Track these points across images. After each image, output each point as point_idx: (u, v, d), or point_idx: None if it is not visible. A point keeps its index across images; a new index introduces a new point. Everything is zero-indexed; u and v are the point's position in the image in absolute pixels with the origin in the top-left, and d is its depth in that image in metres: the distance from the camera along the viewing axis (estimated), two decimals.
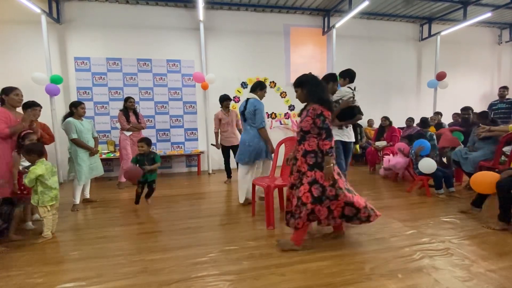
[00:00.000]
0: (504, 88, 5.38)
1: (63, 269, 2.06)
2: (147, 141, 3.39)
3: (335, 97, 3.10)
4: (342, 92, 3.10)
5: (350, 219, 2.18)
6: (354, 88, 3.10)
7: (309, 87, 2.19)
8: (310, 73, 2.30)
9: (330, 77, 3.11)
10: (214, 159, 5.85)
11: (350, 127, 3.12)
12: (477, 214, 2.96)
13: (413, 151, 3.94)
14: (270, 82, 6.26)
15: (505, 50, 7.66)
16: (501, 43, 7.58)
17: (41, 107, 3.32)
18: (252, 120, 3.27)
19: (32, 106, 3.17)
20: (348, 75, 3.16)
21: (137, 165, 3.32)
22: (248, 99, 3.34)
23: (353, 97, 3.04)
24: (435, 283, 1.77)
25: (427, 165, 3.63)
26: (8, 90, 2.66)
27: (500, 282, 1.76)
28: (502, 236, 2.43)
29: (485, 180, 2.68)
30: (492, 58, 7.63)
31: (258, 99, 3.35)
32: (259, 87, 3.39)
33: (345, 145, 3.08)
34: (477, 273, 1.87)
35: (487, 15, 5.67)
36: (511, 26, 7.36)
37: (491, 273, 1.86)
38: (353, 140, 3.15)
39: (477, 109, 5.94)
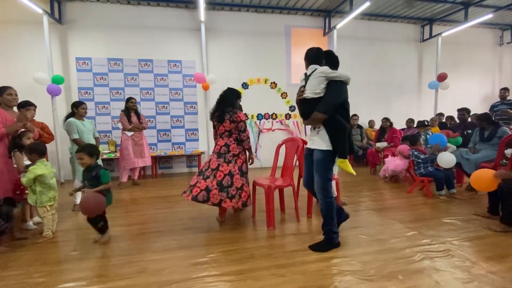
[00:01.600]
0: (505, 89, 5.37)
1: (63, 269, 2.06)
2: (88, 149, 2.42)
3: None
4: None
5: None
6: (311, 73, 2.21)
7: None
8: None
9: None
10: None
11: (322, 130, 2.19)
12: (478, 215, 2.96)
13: (415, 152, 3.93)
14: (271, 83, 6.27)
15: (506, 51, 7.66)
16: (502, 44, 7.57)
17: (35, 107, 3.33)
18: None
19: (25, 106, 3.17)
20: (306, 57, 2.31)
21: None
22: None
23: (303, 87, 2.24)
24: (436, 284, 1.76)
25: (446, 160, 3.61)
26: (1, 90, 2.66)
27: (501, 284, 1.76)
28: (504, 238, 2.42)
29: (484, 177, 2.60)
30: (493, 59, 7.62)
31: None
32: None
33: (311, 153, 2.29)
34: (478, 274, 1.86)
35: (489, 16, 5.67)
36: None
37: (492, 275, 1.85)
38: (319, 147, 2.19)
39: (478, 110, 5.94)
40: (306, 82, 2.23)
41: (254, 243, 2.41)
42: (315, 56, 2.26)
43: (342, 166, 2.17)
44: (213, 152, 2.86)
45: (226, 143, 2.78)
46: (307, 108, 2.21)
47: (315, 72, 2.17)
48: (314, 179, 2.26)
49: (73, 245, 2.47)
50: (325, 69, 2.15)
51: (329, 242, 2.27)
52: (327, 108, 2.10)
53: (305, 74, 2.29)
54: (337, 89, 2.12)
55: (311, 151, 2.28)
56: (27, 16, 4.89)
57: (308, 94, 2.18)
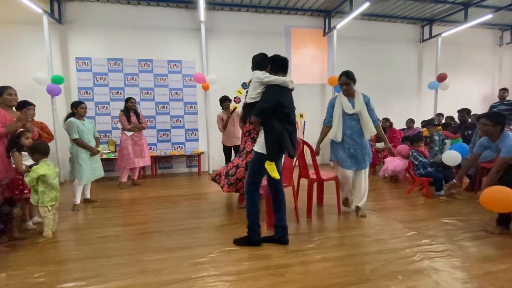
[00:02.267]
0: (504, 90, 5.37)
1: (63, 269, 2.06)
2: None
3: None
4: None
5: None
6: (251, 80, 2.35)
7: None
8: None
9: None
10: (215, 159, 5.86)
11: (262, 132, 2.28)
12: (478, 217, 2.96)
13: (414, 153, 3.94)
14: None
15: (506, 51, 7.66)
16: (502, 44, 7.57)
17: (34, 106, 3.33)
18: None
19: (26, 106, 3.17)
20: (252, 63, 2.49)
21: None
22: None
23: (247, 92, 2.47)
24: (436, 284, 1.77)
25: (452, 158, 3.56)
26: (1, 91, 2.66)
27: (501, 284, 1.76)
28: (502, 238, 2.43)
29: (499, 197, 2.17)
30: (493, 59, 7.62)
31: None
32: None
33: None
34: (477, 275, 1.87)
35: (488, 16, 5.67)
36: None
37: (491, 275, 1.86)
38: (256, 149, 2.29)
39: (478, 110, 5.94)
40: (248, 88, 2.36)
41: None
42: (257, 62, 2.31)
43: (268, 169, 2.18)
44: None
45: (245, 141, 3.21)
46: (248, 111, 2.40)
47: (253, 78, 2.27)
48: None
49: (73, 245, 2.47)
50: (260, 74, 2.21)
51: (247, 238, 2.36)
52: (257, 111, 2.19)
53: (250, 80, 2.38)
54: (269, 93, 2.19)
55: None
56: (27, 16, 4.89)
57: (247, 99, 2.31)
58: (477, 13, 6.13)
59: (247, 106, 2.39)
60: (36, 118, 3.57)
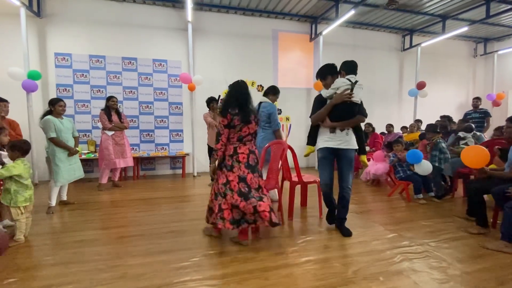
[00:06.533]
0: (477, 98, 5.69)
1: (36, 275, 1.94)
2: None
3: (329, 91, 2.55)
4: (337, 83, 2.51)
5: (237, 223, 2.29)
6: (355, 82, 2.48)
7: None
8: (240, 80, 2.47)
9: (329, 71, 2.65)
10: (199, 161, 5.78)
11: (350, 131, 2.54)
12: (458, 217, 3.10)
13: (389, 154, 4.09)
14: (258, 86, 6.29)
15: (480, 63, 8.12)
16: (476, 56, 8.03)
17: (8, 102, 3.16)
18: (266, 122, 3.48)
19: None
20: (344, 67, 2.59)
21: None
22: (261, 102, 3.56)
23: (351, 90, 2.44)
24: (415, 285, 1.82)
25: (423, 168, 3.70)
26: None
27: (475, 284, 1.84)
28: (476, 239, 2.54)
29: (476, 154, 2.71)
30: (467, 70, 8.05)
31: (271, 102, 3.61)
32: (271, 92, 3.68)
33: (338, 152, 2.54)
34: (453, 275, 1.94)
35: (464, 29, 6.00)
36: (486, 41, 7.81)
37: (466, 275, 1.94)
38: (353, 147, 2.54)
39: (453, 117, 6.23)
40: (352, 88, 2.47)
41: (237, 246, 2.39)
42: (354, 67, 2.57)
43: (364, 160, 2.75)
44: None
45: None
46: (351, 110, 2.52)
47: (358, 83, 2.51)
48: (344, 177, 2.56)
49: (47, 250, 2.34)
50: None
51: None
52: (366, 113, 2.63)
53: (349, 79, 2.51)
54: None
55: (336, 150, 2.55)
56: (3, 8, 4.63)
57: (357, 99, 2.50)
58: (454, 25, 6.47)
59: (353, 105, 2.51)
60: (10, 116, 3.39)
